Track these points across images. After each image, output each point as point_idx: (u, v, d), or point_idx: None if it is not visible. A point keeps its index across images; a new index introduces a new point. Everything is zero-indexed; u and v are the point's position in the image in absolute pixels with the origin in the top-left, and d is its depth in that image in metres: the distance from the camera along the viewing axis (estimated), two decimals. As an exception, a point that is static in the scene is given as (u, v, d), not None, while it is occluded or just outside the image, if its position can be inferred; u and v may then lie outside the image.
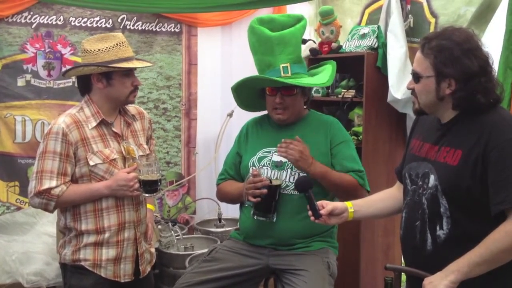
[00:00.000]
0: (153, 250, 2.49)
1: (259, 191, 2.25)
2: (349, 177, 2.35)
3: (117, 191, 2.19)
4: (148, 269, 2.42)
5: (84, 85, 2.30)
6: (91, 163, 2.20)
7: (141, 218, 2.36)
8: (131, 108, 2.45)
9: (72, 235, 2.26)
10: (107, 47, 2.22)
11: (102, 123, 2.27)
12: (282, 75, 2.34)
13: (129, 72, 2.28)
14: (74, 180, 2.23)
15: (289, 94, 2.37)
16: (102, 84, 2.24)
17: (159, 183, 2.23)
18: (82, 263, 2.24)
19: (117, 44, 2.24)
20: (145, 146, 2.43)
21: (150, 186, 2.20)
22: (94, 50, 2.21)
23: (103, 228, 2.24)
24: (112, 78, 2.24)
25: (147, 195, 2.25)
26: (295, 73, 2.36)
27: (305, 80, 2.38)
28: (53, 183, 2.15)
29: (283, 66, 2.35)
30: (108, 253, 2.25)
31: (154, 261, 2.49)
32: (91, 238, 2.24)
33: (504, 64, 2.65)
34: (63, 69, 3.76)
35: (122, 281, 2.29)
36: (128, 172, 2.20)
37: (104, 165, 2.23)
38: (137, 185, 2.19)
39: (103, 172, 2.23)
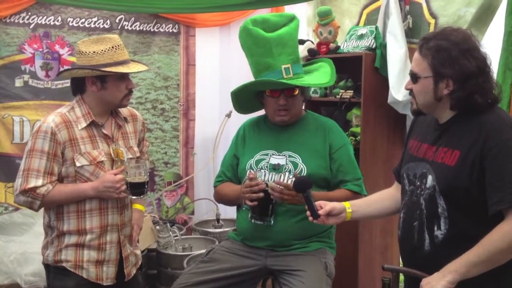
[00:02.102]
0: (138, 252, 2.46)
1: (256, 194, 2.24)
2: (344, 192, 2.35)
3: (103, 193, 2.16)
4: (134, 271, 2.39)
5: (78, 86, 2.27)
6: (78, 164, 2.18)
7: (125, 221, 2.33)
8: (124, 110, 2.41)
9: (54, 235, 2.24)
10: (102, 50, 2.19)
11: (92, 124, 2.24)
12: (285, 76, 2.32)
13: (124, 75, 2.25)
14: (59, 179, 2.20)
15: (292, 95, 2.36)
16: (96, 87, 2.22)
17: (146, 186, 2.21)
18: (64, 264, 2.22)
19: (112, 47, 2.21)
20: (135, 148, 2.40)
21: (137, 188, 2.18)
22: (89, 52, 2.18)
23: (84, 230, 2.22)
24: (107, 82, 2.21)
25: (134, 197, 2.23)
26: (295, 74, 2.35)
27: (310, 81, 2.38)
28: (39, 182, 2.13)
29: (284, 68, 2.32)
30: (89, 254, 2.23)
31: (140, 263, 2.47)
32: (72, 239, 2.22)
33: (503, 65, 2.64)
34: (60, 71, 3.75)
35: (105, 284, 2.26)
36: (115, 174, 2.17)
37: (90, 167, 2.20)
38: (123, 187, 2.16)
39: (89, 174, 2.20)
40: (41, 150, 2.14)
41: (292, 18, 2.44)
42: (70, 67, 2.29)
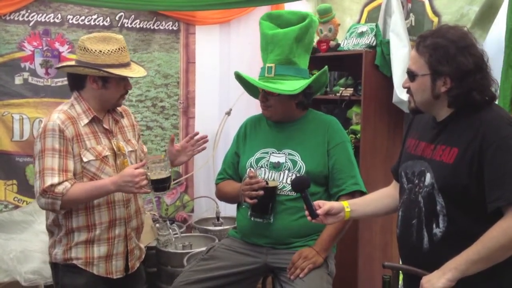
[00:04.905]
0: (142, 246, 2.50)
1: (256, 192, 2.24)
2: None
3: (123, 187, 2.13)
4: (137, 264, 2.43)
5: (77, 83, 2.28)
6: (85, 159, 2.19)
7: (131, 214, 2.35)
8: None
9: (62, 234, 2.24)
10: (109, 50, 2.19)
11: (93, 120, 2.27)
12: (266, 75, 2.36)
13: (125, 77, 2.27)
14: None
15: (271, 94, 2.37)
16: (97, 85, 2.23)
17: (169, 181, 2.20)
18: (74, 262, 2.23)
19: (119, 49, 2.22)
20: (133, 141, 2.43)
21: (159, 184, 2.18)
22: (95, 50, 2.19)
23: (94, 225, 2.23)
24: (109, 82, 2.24)
25: (156, 193, 2.24)
26: (279, 75, 2.34)
27: (276, 86, 2.31)
28: (55, 179, 2.10)
29: (268, 66, 2.36)
30: (99, 250, 2.25)
31: (143, 256, 2.50)
32: (82, 236, 2.23)
33: (506, 62, 2.63)
34: (60, 64, 3.74)
35: (115, 277, 2.29)
36: (136, 168, 2.14)
37: (96, 162, 2.22)
38: (144, 182, 2.12)
39: (95, 169, 2.21)
40: (52, 148, 2.14)
41: (302, 19, 2.40)
42: (74, 64, 2.28)
